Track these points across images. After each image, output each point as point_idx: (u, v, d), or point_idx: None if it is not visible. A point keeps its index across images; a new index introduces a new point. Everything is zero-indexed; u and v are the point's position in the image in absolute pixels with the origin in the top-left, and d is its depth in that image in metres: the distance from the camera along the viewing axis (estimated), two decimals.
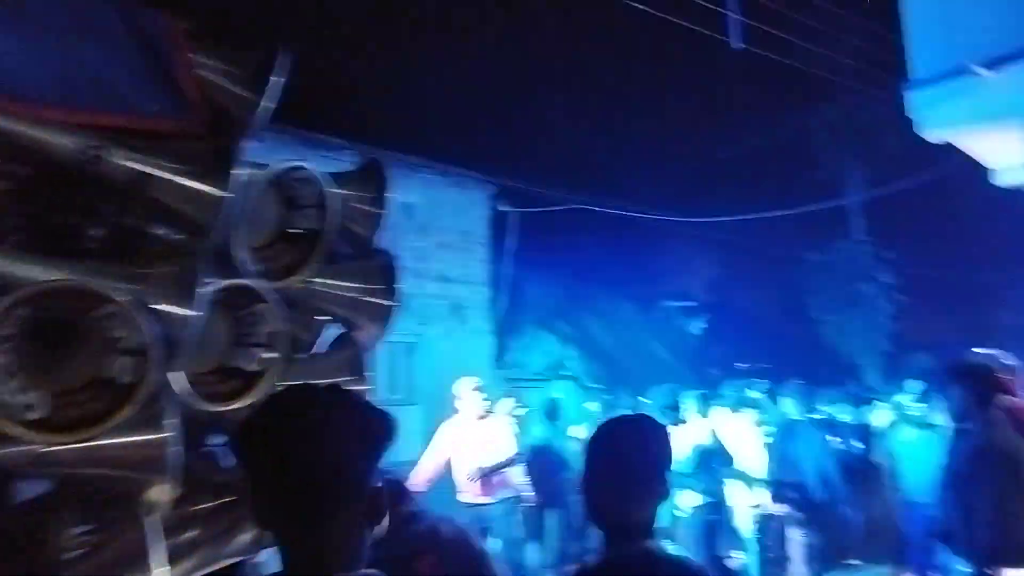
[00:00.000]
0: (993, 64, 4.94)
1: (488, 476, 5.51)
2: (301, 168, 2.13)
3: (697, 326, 23.11)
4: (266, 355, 2.17)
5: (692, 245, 21.56)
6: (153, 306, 1.79)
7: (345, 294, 2.36)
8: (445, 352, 8.90)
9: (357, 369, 2.29)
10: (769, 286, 21.02)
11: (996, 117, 5.29)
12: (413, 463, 5.39)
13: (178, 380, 1.98)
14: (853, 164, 20.95)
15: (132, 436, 1.80)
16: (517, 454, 5.81)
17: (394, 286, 2.36)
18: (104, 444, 1.75)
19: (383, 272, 2.38)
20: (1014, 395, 4.14)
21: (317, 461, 1.09)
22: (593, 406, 7.35)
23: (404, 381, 9.03)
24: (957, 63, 5.03)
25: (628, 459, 1.63)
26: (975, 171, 6.63)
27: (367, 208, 2.36)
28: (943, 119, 5.46)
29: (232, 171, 1.91)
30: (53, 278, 1.72)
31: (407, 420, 4.26)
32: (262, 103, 2.06)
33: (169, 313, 1.83)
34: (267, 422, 1.15)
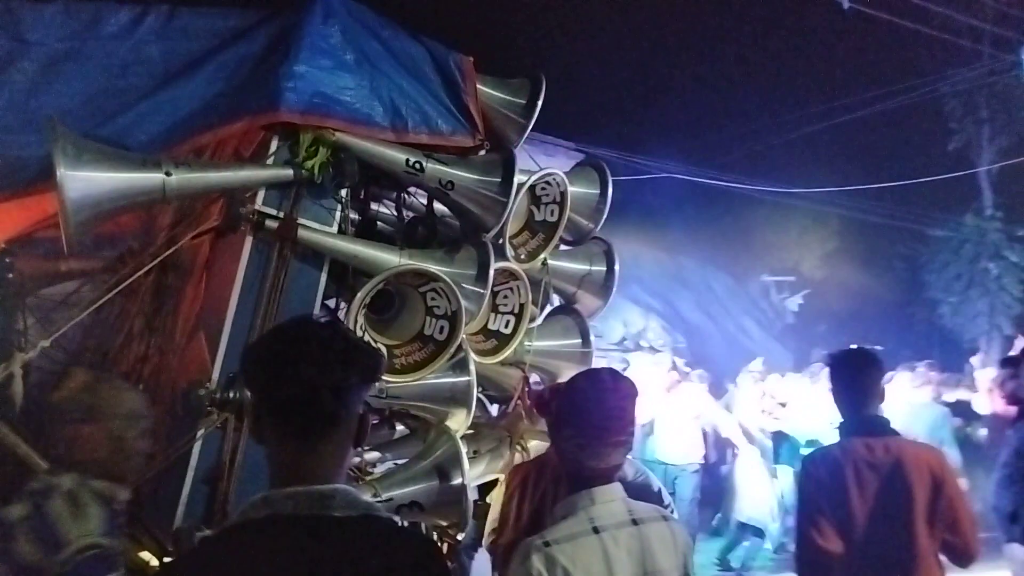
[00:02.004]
0: None
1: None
2: (552, 173, 2.84)
3: (795, 302, 23.08)
4: (514, 321, 2.93)
5: (799, 218, 21.38)
6: (461, 283, 2.55)
7: (575, 274, 3.08)
8: None
9: (583, 333, 3.02)
10: (885, 262, 20.82)
11: None
12: None
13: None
14: (984, 133, 20.23)
15: (445, 378, 2.59)
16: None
17: (614, 268, 3.07)
18: (426, 383, 2.55)
19: (606, 256, 3.09)
20: None
21: (309, 383, 1.26)
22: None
23: None
24: None
25: (582, 409, 1.81)
26: None
27: (594, 203, 3.07)
28: None
29: (514, 179, 2.63)
30: (397, 263, 2.49)
31: None
32: (529, 124, 2.78)
33: (469, 288, 2.59)
34: (269, 348, 1.33)
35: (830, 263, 23.00)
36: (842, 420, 2.92)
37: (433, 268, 2.45)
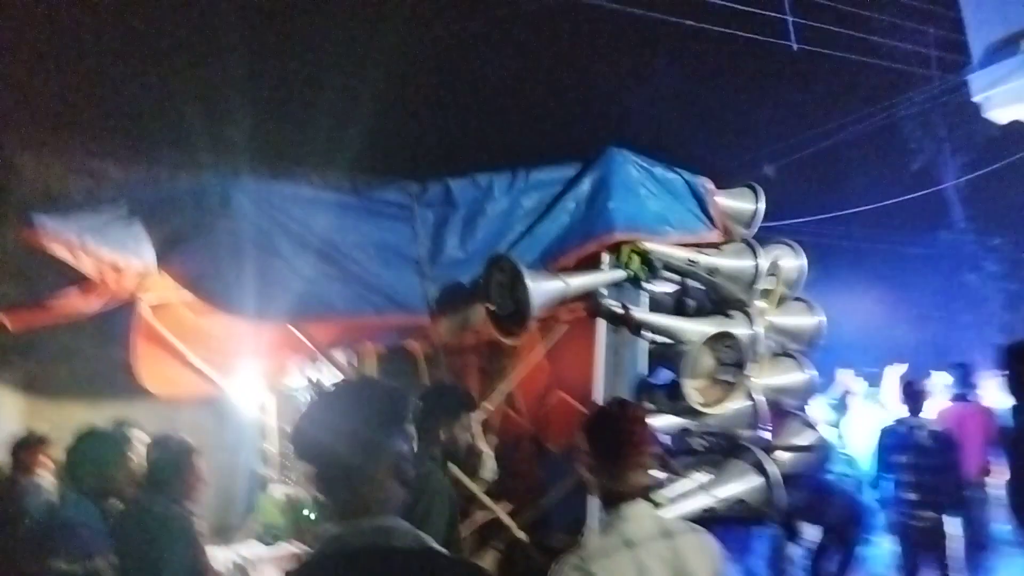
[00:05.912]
0: None
1: None
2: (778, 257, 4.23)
3: None
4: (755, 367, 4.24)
5: (775, 249, 22.92)
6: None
7: (789, 328, 4.44)
8: None
9: (804, 369, 4.37)
10: (867, 284, 22.65)
11: None
12: None
13: None
14: (945, 150, 22.31)
15: (738, 406, 3.88)
16: None
17: (819, 319, 4.45)
18: (726, 413, 3.82)
19: (810, 309, 4.47)
20: None
21: (343, 433, 1.58)
22: None
23: None
24: (1011, 43, 5.86)
25: (595, 439, 2.16)
26: None
27: (795, 275, 4.46)
28: (1005, 99, 6.44)
29: (759, 262, 4.00)
30: (698, 331, 3.79)
31: None
32: (751, 224, 4.19)
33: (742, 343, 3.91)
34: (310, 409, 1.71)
35: (812, 291, 24.49)
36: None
37: (735, 331, 3.78)
